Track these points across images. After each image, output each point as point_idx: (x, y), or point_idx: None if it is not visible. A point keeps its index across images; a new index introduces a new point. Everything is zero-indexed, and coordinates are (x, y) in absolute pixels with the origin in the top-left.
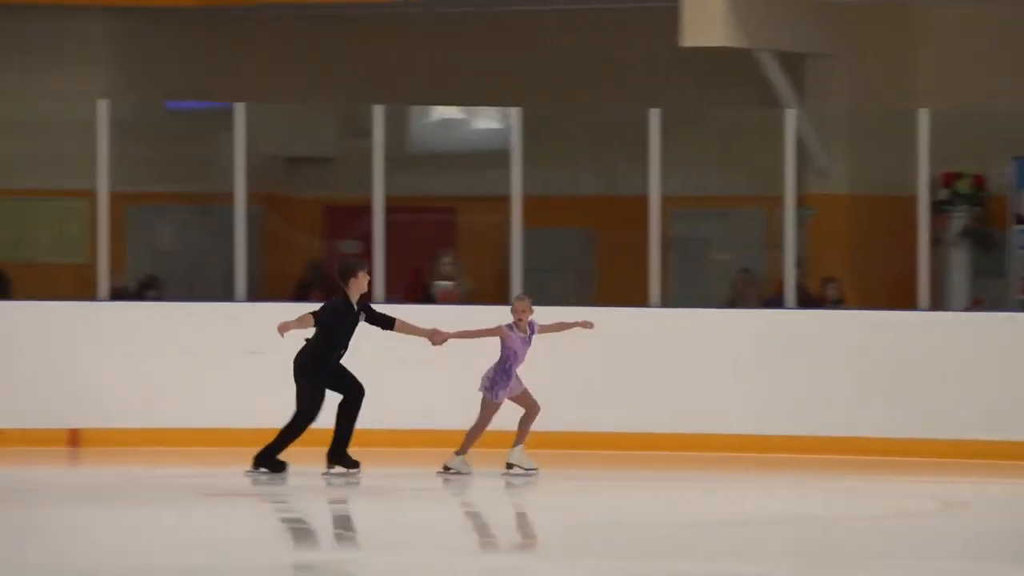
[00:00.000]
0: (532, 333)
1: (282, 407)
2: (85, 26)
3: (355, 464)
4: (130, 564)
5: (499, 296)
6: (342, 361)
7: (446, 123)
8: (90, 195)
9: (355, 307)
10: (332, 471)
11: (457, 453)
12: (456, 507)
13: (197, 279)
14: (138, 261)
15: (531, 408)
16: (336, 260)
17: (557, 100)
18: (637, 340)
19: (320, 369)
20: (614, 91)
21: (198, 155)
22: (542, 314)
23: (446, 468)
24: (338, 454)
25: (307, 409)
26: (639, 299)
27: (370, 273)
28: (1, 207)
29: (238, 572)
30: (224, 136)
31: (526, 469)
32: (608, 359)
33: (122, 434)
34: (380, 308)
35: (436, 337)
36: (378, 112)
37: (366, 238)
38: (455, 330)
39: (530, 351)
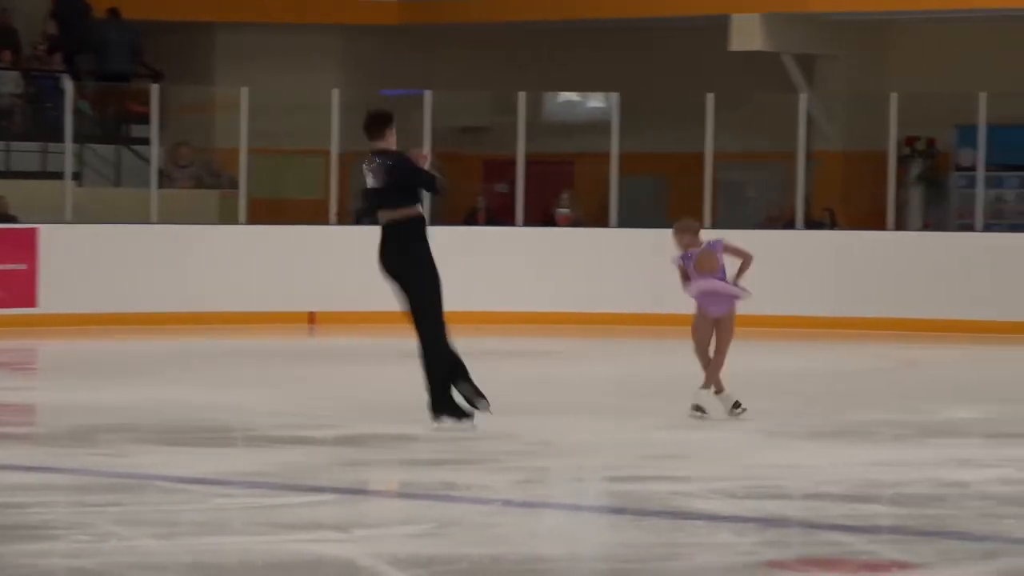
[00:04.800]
0: (691, 258)
1: None
2: (325, 39)
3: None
4: None
5: (602, 222)
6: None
7: (568, 103)
8: (327, 153)
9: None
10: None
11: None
12: None
13: None
14: (356, 199)
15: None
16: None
17: (644, 87)
18: None
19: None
20: (683, 80)
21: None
22: (634, 235)
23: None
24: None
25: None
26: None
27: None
28: (263, 162)
29: None
30: (417, 113)
31: (704, 412)
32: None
33: (355, 315)
34: (518, 230)
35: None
36: (521, 96)
37: (511, 182)
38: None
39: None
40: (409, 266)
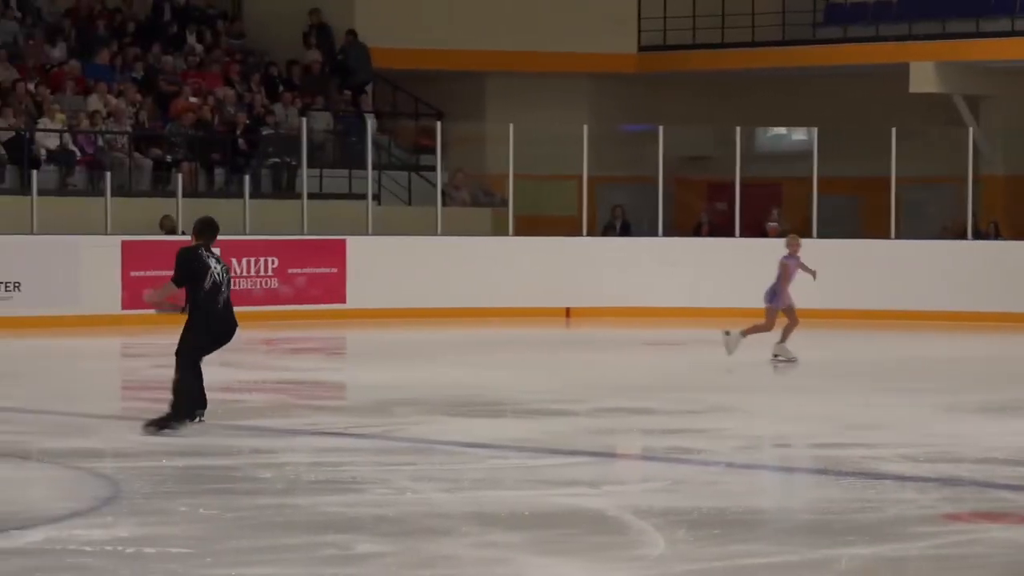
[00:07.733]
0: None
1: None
2: (576, 85)
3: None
4: None
5: (806, 233)
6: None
7: (776, 135)
8: (578, 177)
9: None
10: None
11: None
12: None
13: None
14: (604, 215)
15: (792, 320)
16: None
17: (839, 122)
18: (882, 255)
19: None
20: (871, 116)
21: (637, 154)
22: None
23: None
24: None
25: None
26: (883, 234)
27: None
28: (527, 185)
29: None
30: (651, 145)
31: (788, 359)
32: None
33: (605, 310)
34: (736, 240)
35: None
36: (738, 130)
37: (730, 202)
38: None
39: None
40: None
